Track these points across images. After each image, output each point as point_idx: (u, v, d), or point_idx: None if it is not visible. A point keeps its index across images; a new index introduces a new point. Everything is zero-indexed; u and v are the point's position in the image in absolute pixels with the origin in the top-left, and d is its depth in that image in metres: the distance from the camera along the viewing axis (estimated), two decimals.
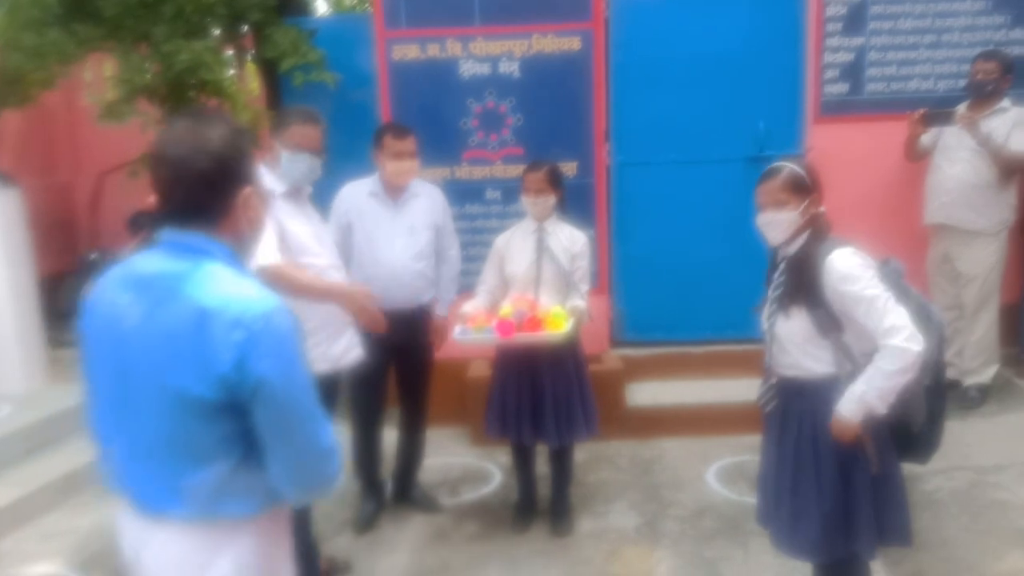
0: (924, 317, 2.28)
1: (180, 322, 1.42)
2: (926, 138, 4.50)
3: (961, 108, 4.39)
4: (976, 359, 4.52)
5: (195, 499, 1.49)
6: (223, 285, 1.46)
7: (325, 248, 3.00)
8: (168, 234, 1.52)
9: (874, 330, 2.18)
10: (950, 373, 4.59)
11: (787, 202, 2.31)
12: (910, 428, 2.31)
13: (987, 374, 4.53)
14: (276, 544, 1.63)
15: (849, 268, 2.22)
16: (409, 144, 3.48)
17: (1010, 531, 3.30)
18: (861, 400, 2.20)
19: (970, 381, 4.54)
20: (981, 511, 3.46)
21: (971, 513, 3.45)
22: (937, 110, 4.40)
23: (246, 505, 1.53)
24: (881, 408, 2.21)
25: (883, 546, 2.36)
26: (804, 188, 2.32)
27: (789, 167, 2.35)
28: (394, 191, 3.53)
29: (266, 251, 2.67)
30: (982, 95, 4.36)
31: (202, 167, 1.47)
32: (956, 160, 4.40)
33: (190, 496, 1.49)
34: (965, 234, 4.42)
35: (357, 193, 3.54)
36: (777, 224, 2.34)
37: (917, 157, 4.59)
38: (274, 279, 2.63)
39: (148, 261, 1.53)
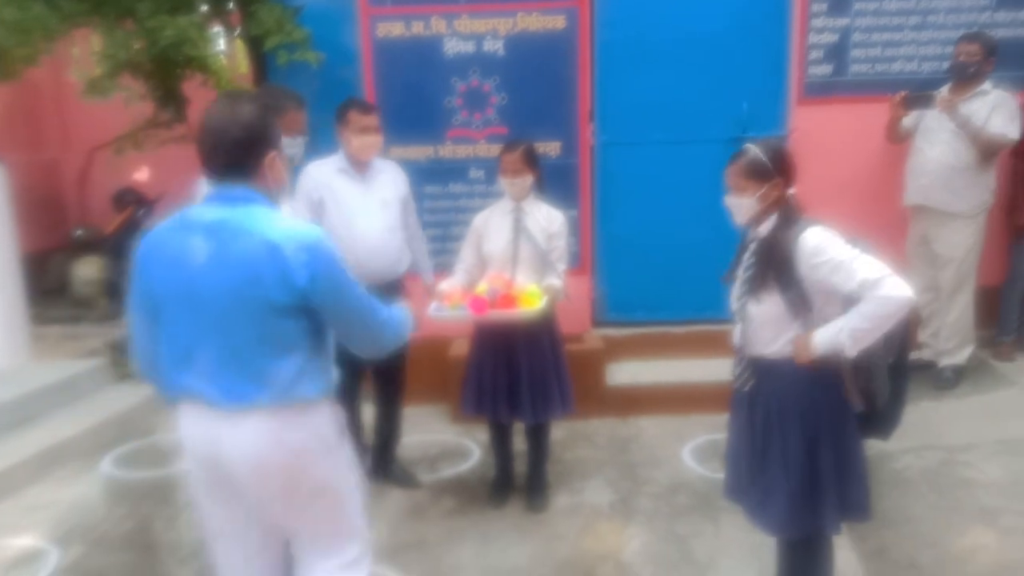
0: None
1: (254, 251, 1.86)
2: (907, 120, 4.51)
3: (944, 90, 4.39)
4: (951, 340, 4.55)
5: (278, 386, 1.92)
6: (279, 223, 1.92)
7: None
8: (216, 189, 1.95)
9: (858, 289, 2.18)
10: (925, 354, 4.63)
11: (745, 188, 2.34)
12: (874, 405, 2.35)
13: (962, 355, 4.57)
14: (335, 421, 2.08)
15: (819, 241, 2.24)
16: (373, 119, 3.53)
17: (974, 508, 3.35)
18: (835, 335, 2.22)
19: (945, 362, 4.57)
20: (948, 489, 3.51)
21: (938, 491, 3.50)
22: (918, 93, 4.39)
23: (315, 388, 1.99)
24: (851, 349, 2.21)
25: (843, 521, 2.41)
26: (764, 174, 2.32)
27: (752, 152, 2.36)
28: (360, 166, 3.57)
29: None
30: (964, 77, 4.36)
31: (236, 135, 1.91)
32: (936, 142, 4.41)
33: (274, 384, 1.91)
34: (943, 216, 4.44)
35: (325, 171, 3.57)
36: (737, 207, 2.39)
37: (898, 139, 4.60)
38: None
39: (205, 211, 1.94)
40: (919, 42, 4.70)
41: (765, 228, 2.36)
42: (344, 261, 1.96)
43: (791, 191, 2.36)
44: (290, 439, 1.96)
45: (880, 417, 2.38)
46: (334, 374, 2.10)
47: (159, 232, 1.98)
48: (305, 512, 2.06)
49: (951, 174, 4.37)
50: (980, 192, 4.43)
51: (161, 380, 2.02)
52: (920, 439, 3.86)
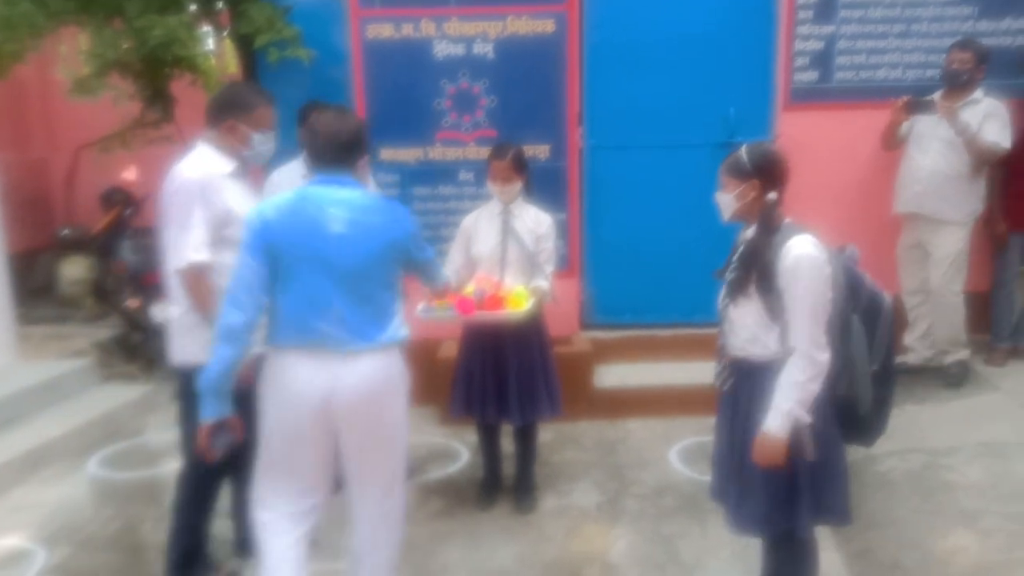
0: (875, 307, 2.36)
1: (385, 221, 2.46)
2: (904, 126, 4.55)
3: (936, 96, 4.44)
4: (944, 341, 4.60)
5: (391, 324, 2.47)
6: (382, 199, 2.64)
7: None
8: (323, 174, 2.46)
9: (794, 330, 2.25)
10: (911, 358, 4.69)
11: (725, 185, 2.41)
12: (856, 411, 2.37)
13: (964, 352, 4.62)
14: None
15: (798, 262, 2.25)
16: None
17: (956, 511, 3.39)
18: (788, 415, 2.26)
19: (950, 359, 4.62)
20: (931, 492, 3.55)
21: (921, 494, 3.54)
22: (919, 99, 4.43)
23: (404, 330, 2.53)
24: (806, 416, 2.27)
25: (819, 523, 2.43)
26: (742, 173, 2.37)
27: (739, 152, 2.41)
28: None
29: (197, 244, 2.68)
30: (957, 85, 4.39)
31: (345, 139, 2.45)
32: (928, 150, 4.45)
33: (391, 322, 2.47)
34: (936, 223, 4.49)
35: (291, 177, 3.62)
36: (720, 204, 2.45)
37: (894, 145, 4.63)
38: (193, 282, 2.69)
39: (324, 190, 2.43)
40: (903, 50, 4.76)
41: (751, 232, 2.40)
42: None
43: (771, 196, 2.36)
44: (393, 374, 2.49)
45: (863, 424, 2.41)
46: None
47: (286, 204, 2.41)
48: (384, 445, 2.54)
49: (943, 182, 4.42)
50: (971, 200, 4.49)
51: (243, 330, 2.37)
52: (904, 442, 3.91)
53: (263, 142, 2.88)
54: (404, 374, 2.55)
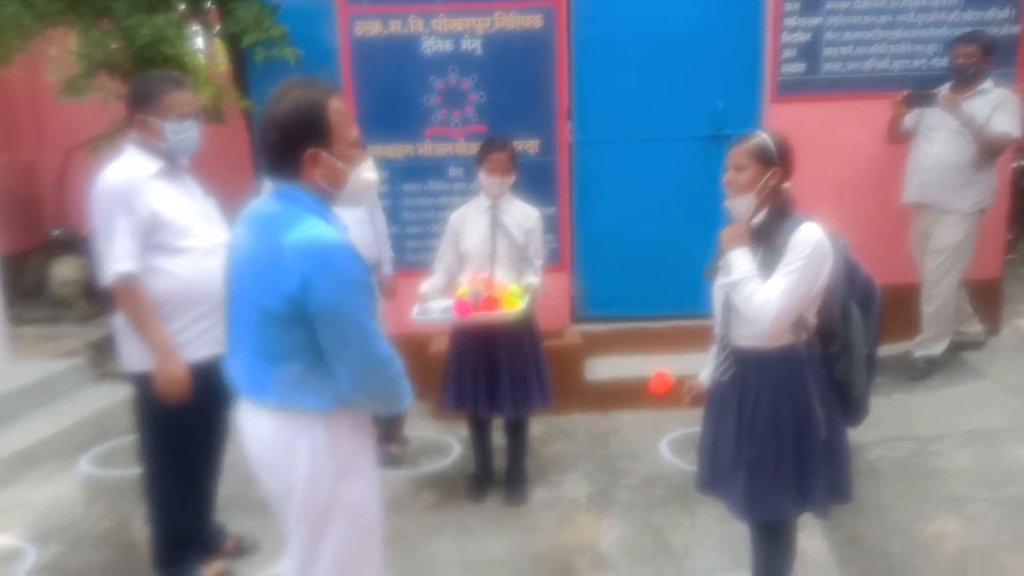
0: (869, 294, 2.38)
1: (263, 253, 1.89)
2: (908, 120, 4.54)
3: (944, 89, 4.43)
4: (929, 331, 4.60)
5: (277, 391, 1.92)
6: (300, 226, 1.85)
7: (213, 225, 2.81)
8: (272, 185, 1.97)
9: (773, 282, 2.25)
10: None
11: (745, 167, 2.33)
12: (851, 393, 2.39)
13: (938, 348, 4.62)
14: (349, 440, 2.01)
15: (806, 235, 2.25)
16: None
17: (943, 497, 3.42)
18: (741, 273, 2.30)
19: (919, 353, 4.62)
20: (918, 478, 3.58)
21: (909, 480, 3.56)
22: (919, 92, 4.43)
23: (317, 401, 1.92)
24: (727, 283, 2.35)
25: (835, 503, 2.46)
26: (767, 159, 2.32)
27: (761, 136, 2.36)
28: None
29: (122, 254, 2.60)
30: (964, 78, 4.38)
31: (271, 136, 1.92)
32: (936, 140, 4.44)
33: (273, 388, 1.92)
34: (941, 212, 4.48)
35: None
36: (732, 186, 2.37)
37: (899, 139, 4.62)
38: (123, 294, 2.62)
39: (260, 204, 2.00)
40: (890, 40, 4.77)
41: (757, 220, 2.36)
42: (359, 280, 1.86)
43: (786, 185, 2.36)
44: (287, 444, 1.95)
45: (855, 405, 2.42)
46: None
47: (239, 219, 2.04)
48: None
49: (950, 171, 4.40)
50: (978, 191, 4.44)
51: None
52: (892, 430, 3.94)
53: (178, 131, 2.71)
54: (318, 447, 2.04)
